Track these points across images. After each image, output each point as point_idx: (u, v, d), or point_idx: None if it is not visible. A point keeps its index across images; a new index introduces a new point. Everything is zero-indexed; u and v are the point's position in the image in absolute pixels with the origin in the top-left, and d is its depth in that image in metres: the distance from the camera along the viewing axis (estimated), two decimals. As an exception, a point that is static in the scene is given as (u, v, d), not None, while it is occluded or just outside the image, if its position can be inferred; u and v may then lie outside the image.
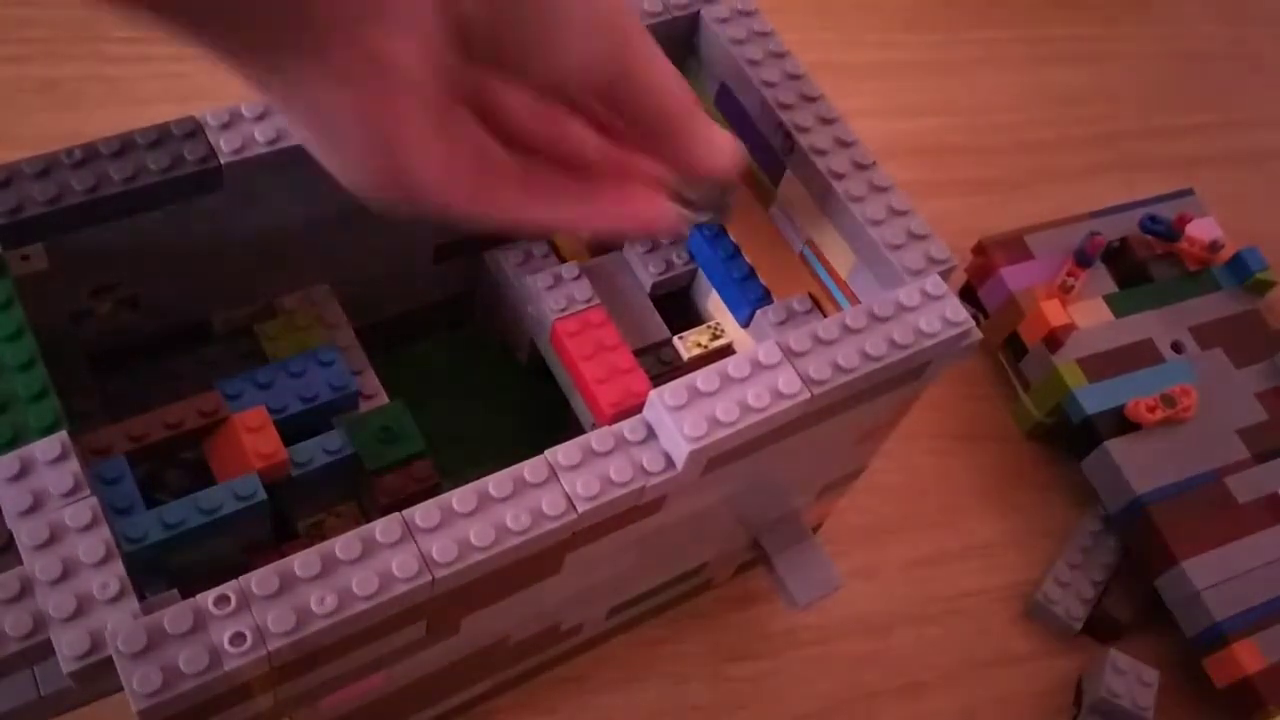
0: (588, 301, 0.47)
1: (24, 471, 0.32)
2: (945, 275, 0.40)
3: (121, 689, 0.29)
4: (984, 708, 0.54)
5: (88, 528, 0.31)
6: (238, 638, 0.29)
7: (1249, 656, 0.52)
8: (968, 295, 0.63)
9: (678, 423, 0.34)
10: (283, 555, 0.31)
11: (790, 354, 0.36)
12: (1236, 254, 0.63)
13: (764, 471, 0.41)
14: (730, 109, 0.45)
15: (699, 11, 0.44)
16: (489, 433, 0.53)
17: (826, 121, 0.42)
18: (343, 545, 0.31)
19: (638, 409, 0.36)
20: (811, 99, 0.43)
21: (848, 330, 0.37)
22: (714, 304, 0.50)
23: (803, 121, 0.42)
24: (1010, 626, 0.56)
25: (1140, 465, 0.55)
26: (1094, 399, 0.57)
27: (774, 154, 0.43)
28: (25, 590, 0.30)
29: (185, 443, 0.39)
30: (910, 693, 0.54)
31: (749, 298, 0.47)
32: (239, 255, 0.42)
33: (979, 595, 0.57)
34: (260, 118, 0.39)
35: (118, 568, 0.31)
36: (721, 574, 0.53)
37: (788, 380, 0.36)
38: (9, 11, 0.65)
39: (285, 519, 0.41)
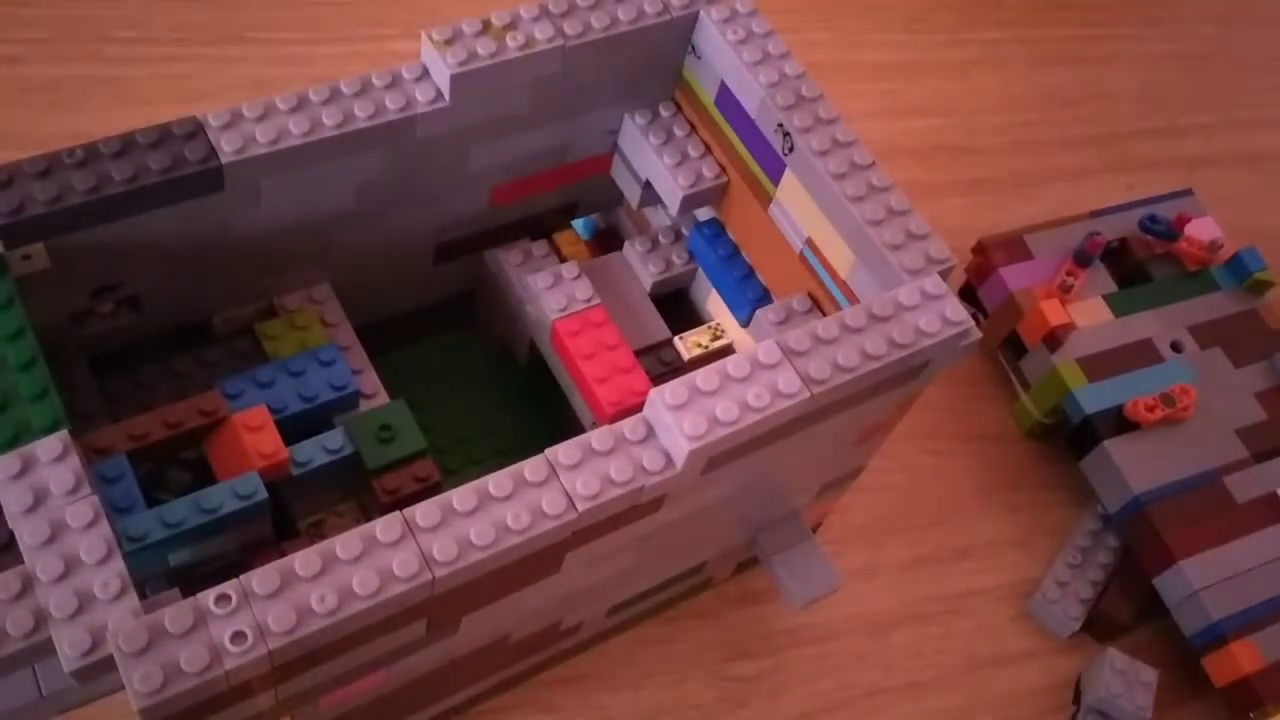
0: (588, 301, 0.47)
1: (25, 470, 0.32)
2: (944, 275, 0.40)
3: (122, 688, 0.29)
4: (983, 707, 0.54)
5: (89, 526, 0.31)
6: (238, 636, 0.29)
7: (1247, 656, 0.52)
8: (967, 295, 0.63)
9: (678, 422, 0.34)
10: (283, 554, 0.31)
11: (790, 353, 0.36)
12: (1235, 254, 0.63)
13: (764, 471, 0.41)
14: (730, 109, 0.45)
15: (699, 11, 0.44)
16: (489, 432, 0.53)
17: (826, 121, 0.42)
18: (343, 544, 0.31)
19: (638, 408, 0.36)
20: (811, 99, 0.43)
21: (847, 330, 0.37)
22: (714, 303, 0.50)
23: (802, 121, 0.42)
24: (1009, 626, 0.57)
25: (1139, 465, 0.55)
26: (1093, 398, 0.57)
27: (774, 154, 0.43)
28: (26, 588, 0.31)
29: (186, 442, 0.39)
30: (910, 692, 0.54)
31: (749, 297, 0.47)
32: (239, 255, 0.43)
33: (978, 594, 0.57)
34: (261, 118, 0.39)
35: (119, 566, 0.31)
36: (721, 573, 0.53)
37: (787, 380, 0.36)
38: (9, 11, 0.65)
39: (286, 518, 0.41)
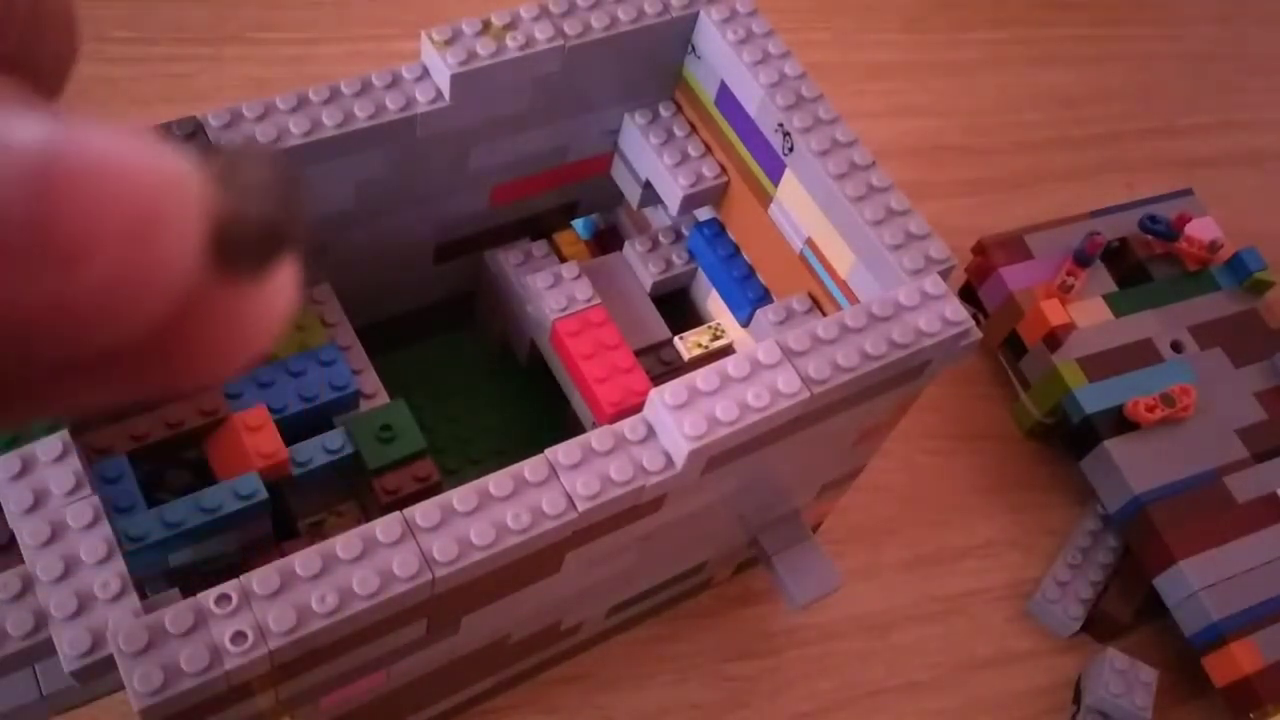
0: (588, 301, 0.47)
1: (25, 470, 0.32)
2: (945, 275, 0.40)
3: (122, 688, 0.29)
4: (983, 707, 0.54)
5: (89, 526, 0.31)
6: (239, 636, 0.29)
7: (1247, 656, 0.52)
8: (967, 295, 0.63)
9: (678, 422, 0.34)
10: (283, 554, 0.31)
11: (790, 353, 0.36)
12: (1235, 254, 0.63)
13: (764, 471, 0.41)
14: (730, 109, 0.45)
15: (699, 11, 0.44)
16: (489, 432, 0.53)
17: (826, 121, 0.42)
18: (343, 544, 0.31)
19: (638, 408, 0.36)
20: (811, 99, 0.43)
21: (847, 330, 0.37)
22: (714, 303, 0.50)
23: (802, 121, 0.42)
24: (1009, 626, 0.57)
25: (1139, 465, 0.55)
26: (1093, 398, 0.57)
27: (774, 154, 0.43)
28: (27, 588, 0.31)
29: (186, 442, 0.39)
30: (910, 691, 0.54)
31: (749, 297, 0.47)
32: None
33: (978, 594, 0.57)
34: (261, 118, 0.39)
35: (119, 566, 0.31)
36: (721, 573, 0.53)
37: (787, 379, 0.36)
38: (10, 11, 0.65)
39: (286, 518, 0.41)
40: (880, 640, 0.55)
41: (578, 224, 0.54)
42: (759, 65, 0.43)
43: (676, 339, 0.48)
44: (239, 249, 0.13)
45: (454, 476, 0.51)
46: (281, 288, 0.14)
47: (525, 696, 0.50)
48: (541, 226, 0.52)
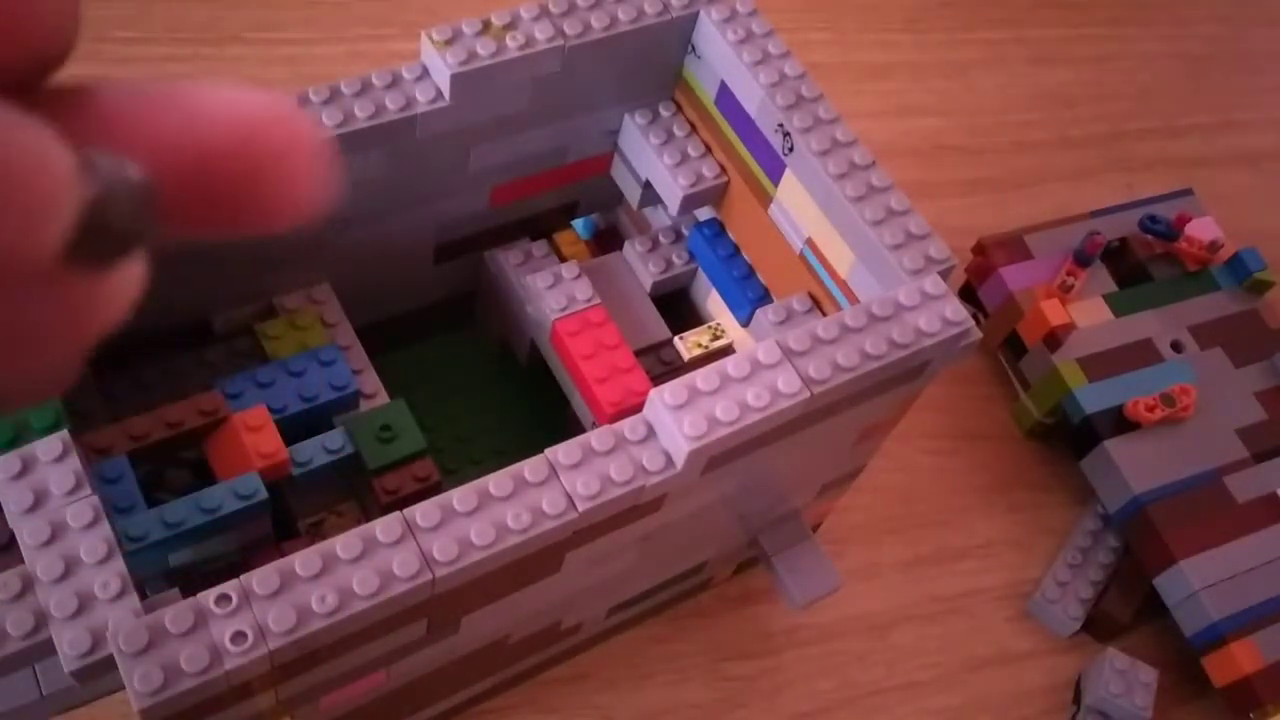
0: (588, 301, 0.47)
1: (25, 470, 0.32)
2: (945, 275, 0.40)
3: (123, 688, 0.29)
4: (983, 707, 0.54)
5: (89, 526, 0.31)
6: (239, 636, 0.29)
7: (1247, 656, 0.52)
8: (967, 295, 0.63)
9: (677, 422, 0.34)
10: (283, 554, 0.31)
11: (790, 353, 0.36)
12: (1235, 254, 0.63)
13: (763, 471, 0.41)
14: (730, 109, 0.45)
15: (699, 11, 0.44)
16: (489, 432, 0.53)
17: (826, 121, 0.42)
18: (343, 544, 0.31)
19: (638, 408, 0.36)
20: (811, 99, 0.43)
21: (847, 329, 0.37)
22: (714, 303, 0.50)
23: (802, 121, 0.42)
24: (1009, 625, 0.57)
25: (1139, 465, 0.55)
26: (1093, 398, 0.57)
27: (774, 154, 0.43)
28: (27, 588, 0.31)
29: (186, 442, 0.39)
30: (910, 691, 0.54)
31: (749, 297, 0.47)
32: (240, 255, 0.43)
33: (978, 594, 0.57)
34: (261, 118, 0.39)
35: (119, 566, 0.31)
36: (721, 573, 0.53)
37: (787, 379, 0.36)
38: (10, 11, 0.65)
39: (286, 518, 0.41)
40: (880, 640, 0.55)
41: (578, 224, 0.54)
42: (759, 65, 0.43)
43: (676, 339, 0.48)
44: (92, 241, 0.13)
45: (454, 476, 0.51)
46: (125, 282, 0.15)
47: (525, 696, 0.50)
48: (541, 226, 0.52)
